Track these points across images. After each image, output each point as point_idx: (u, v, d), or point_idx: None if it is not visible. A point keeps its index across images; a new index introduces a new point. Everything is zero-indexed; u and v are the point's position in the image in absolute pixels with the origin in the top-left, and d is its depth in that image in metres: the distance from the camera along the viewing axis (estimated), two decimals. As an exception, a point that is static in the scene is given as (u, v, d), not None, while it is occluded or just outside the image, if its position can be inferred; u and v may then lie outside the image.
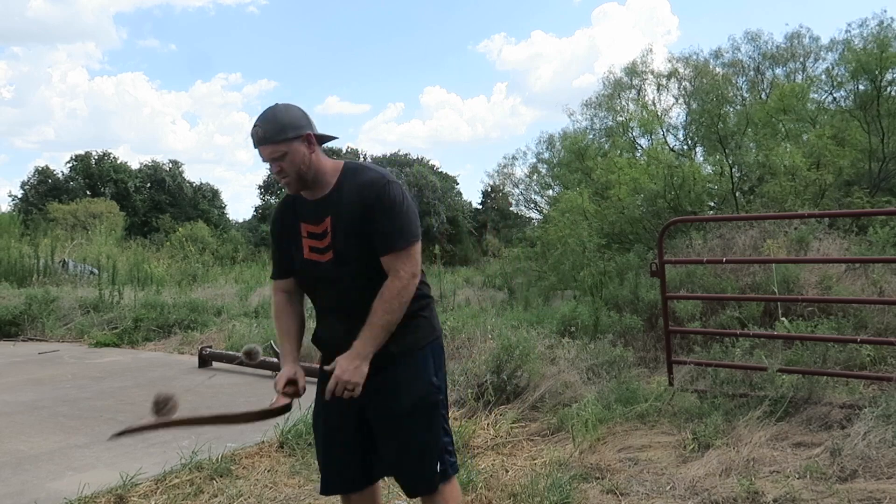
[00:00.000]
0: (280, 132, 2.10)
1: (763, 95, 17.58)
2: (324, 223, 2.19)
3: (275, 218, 2.40)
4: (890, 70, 12.18)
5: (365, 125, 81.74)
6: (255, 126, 2.13)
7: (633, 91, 19.04)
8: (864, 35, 13.84)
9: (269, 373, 6.53)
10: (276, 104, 2.17)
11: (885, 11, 18.27)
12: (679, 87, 18.55)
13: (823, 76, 16.43)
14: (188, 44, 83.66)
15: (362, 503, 2.44)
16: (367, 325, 2.12)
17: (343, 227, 2.16)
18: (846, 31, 15.84)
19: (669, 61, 18.81)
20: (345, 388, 2.11)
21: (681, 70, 18.42)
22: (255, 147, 2.13)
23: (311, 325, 2.50)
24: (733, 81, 18.36)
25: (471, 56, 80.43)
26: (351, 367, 2.10)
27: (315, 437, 2.46)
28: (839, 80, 14.69)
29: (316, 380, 2.40)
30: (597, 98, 19.41)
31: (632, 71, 18.84)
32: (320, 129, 2.24)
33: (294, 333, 2.37)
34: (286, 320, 2.38)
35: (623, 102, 18.89)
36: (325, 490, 2.43)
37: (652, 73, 18.78)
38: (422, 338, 2.28)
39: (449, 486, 2.33)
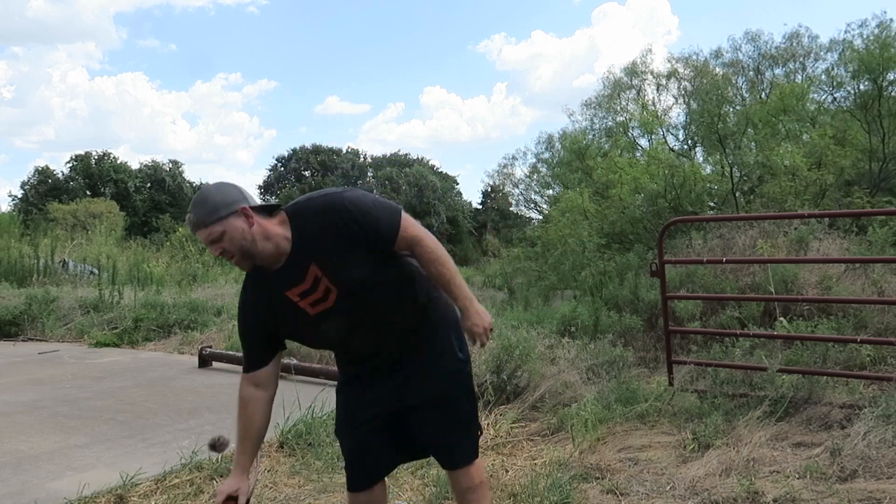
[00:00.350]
0: (212, 213, 1.98)
1: (763, 95, 17.57)
2: (309, 276, 2.05)
3: (245, 301, 2.19)
4: (891, 70, 12.18)
5: (365, 125, 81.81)
6: (187, 213, 2.04)
7: (633, 91, 19.04)
8: (865, 35, 13.84)
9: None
10: (207, 185, 2.10)
11: (886, 13, 18.24)
12: (679, 88, 18.55)
13: (823, 76, 16.43)
14: (188, 44, 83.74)
15: (373, 497, 2.45)
16: (446, 284, 2.14)
17: (334, 263, 2.04)
18: (846, 32, 15.83)
19: (669, 61, 18.81)
20: (486, 330, 2.15)
21: (681, 70, 18.42)
22: (194, 232, 2.02)
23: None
24: (733, 81, 18.35)
25: (471, 56, 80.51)
26: (479, 312, 2.13)
27: (342, 443, 2.44)
28: (839, 80, 14.69)
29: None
30: (597, 98, 19.41)
31: (631, 71, 18.84)
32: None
33: (255, 437, 2.29)
34: (253, 418, 2.28)
35: (623, 103, 18.89)
36: (354, 487, 2.43)
37: (651, 73, 18.78)
38: (441, 316, 2.31)
39: (480, 459, 2.43)
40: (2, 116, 72.35)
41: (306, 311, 2.10)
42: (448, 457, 2.38)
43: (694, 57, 19.06)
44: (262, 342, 2.20)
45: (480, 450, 4.06)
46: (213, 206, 2.00)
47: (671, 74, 18.40)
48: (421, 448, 2.43)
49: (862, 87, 12.87)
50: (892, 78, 12.40)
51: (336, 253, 2.04)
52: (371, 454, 2.36)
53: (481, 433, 2.48)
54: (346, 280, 2.06)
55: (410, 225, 2.11)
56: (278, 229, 2.05)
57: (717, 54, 19.47)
